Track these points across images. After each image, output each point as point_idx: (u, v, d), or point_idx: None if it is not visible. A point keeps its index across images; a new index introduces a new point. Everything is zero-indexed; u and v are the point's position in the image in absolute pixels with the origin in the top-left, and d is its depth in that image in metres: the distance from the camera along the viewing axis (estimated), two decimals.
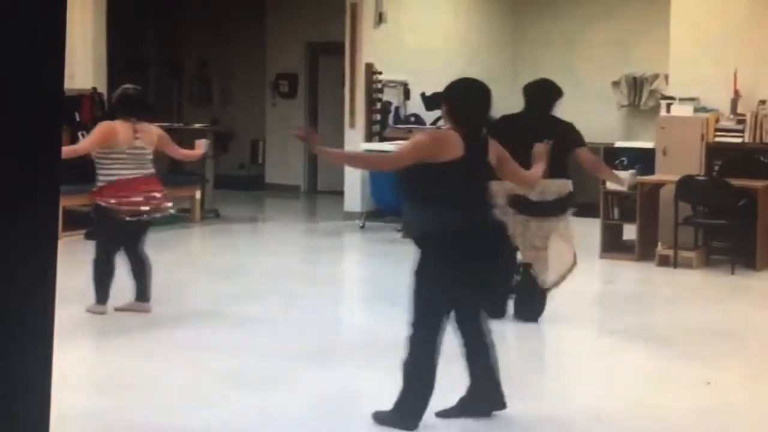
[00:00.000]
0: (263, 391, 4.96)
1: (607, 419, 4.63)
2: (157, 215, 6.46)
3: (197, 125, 11.70)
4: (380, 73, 11.27)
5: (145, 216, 6.33)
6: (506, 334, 5.90)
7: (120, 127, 6.28)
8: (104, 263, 6.33)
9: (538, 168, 4.84)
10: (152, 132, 6.47)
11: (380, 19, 11.32)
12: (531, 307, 6.34)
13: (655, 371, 5.55)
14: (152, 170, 6.44)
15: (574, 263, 6.31)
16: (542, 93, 6.34)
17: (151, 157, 6.44)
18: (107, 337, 6.03)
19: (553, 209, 6.27)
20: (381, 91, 11.34)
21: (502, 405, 4.46)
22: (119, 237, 6.36)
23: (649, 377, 5.45)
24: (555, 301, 6.47)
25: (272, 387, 5.05)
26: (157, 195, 6.39)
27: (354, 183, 11.26)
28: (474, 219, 4.29)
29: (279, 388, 5.02)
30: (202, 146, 6.84)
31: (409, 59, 11.53)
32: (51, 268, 1.72)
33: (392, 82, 11.44)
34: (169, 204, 6.52)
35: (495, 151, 4.44)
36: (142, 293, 6.41)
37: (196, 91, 14.73)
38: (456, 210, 4.23)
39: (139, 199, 6.28)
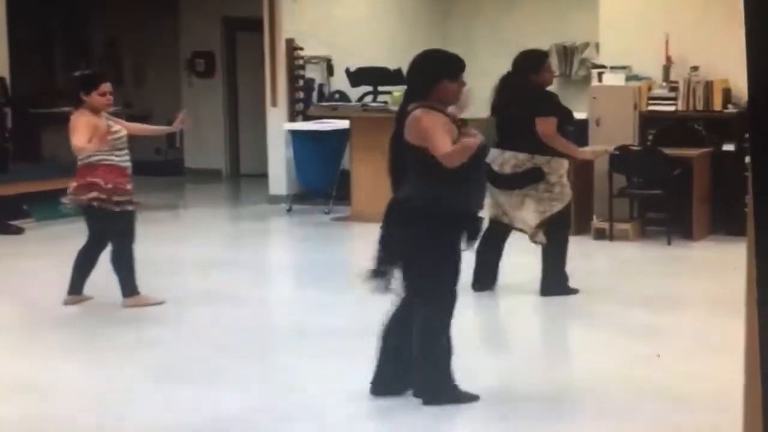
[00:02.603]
0: (194, 385, 4.73)
1: (553, 394, 4.45)
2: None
3: (111, 108, 11.11)
4: (302, 49, 10.85)
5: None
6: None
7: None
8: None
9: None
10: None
11: None
12: (486, 276, 6.41)
13: (595, 343, 5.51)
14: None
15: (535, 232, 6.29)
16: (518, 60, 6.35)
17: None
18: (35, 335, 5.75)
19: (510, 183, 6.25)
20: (303, 68, 10.92)
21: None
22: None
23: (590, 349, 5.42)
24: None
25: (203, 380, 4.82)
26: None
27: (279, 165, 10.85)
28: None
29: (211, 382, 4.79)
30: (180, 122, 6.52)
31: (332, 34, 11.13)
32: None
33: (315, 58, 11.03)
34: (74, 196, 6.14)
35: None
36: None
37: (107, 72, 14.07)
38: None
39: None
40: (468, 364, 4.58)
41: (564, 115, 6.38)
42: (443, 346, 4.29)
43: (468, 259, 6.29)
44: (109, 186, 5.99)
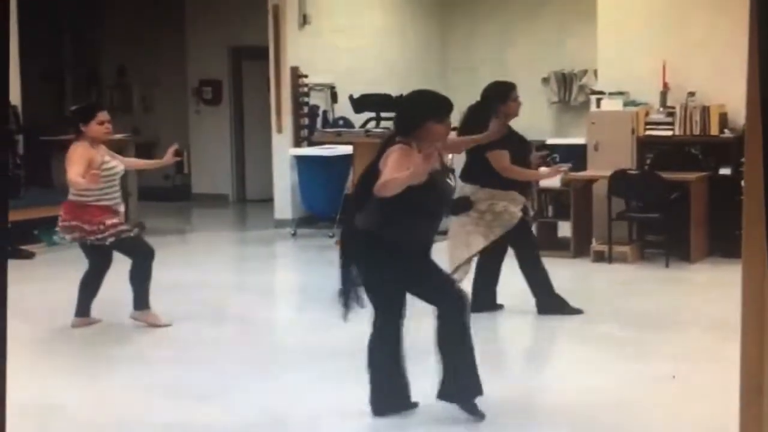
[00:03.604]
0: (202, 405, 4.83)
1: (553, 412, 4.54)
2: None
3: (118, 135, 11.32)
4: (306, 76, 11.05)
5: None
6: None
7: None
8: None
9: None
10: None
11: (304, 20, 11.11)
12: (483, 297, 6.55)
13: (594, 363, 5.60)
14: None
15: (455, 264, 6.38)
16: (486, 91, 6.50)
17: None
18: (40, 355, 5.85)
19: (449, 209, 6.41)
20: (308, 94, 11.12)
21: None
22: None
23: (589, 369, 5.50)
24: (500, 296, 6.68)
25: (210, 400, 4.91)
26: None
27: (284, 190, 11.03)
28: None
29: (217, 401, 4.89)
30: (171, 155, 6.64)
31: (335, 61, 11.33)
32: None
33: (319, 85, 11.23)
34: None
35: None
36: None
37: (116, 100, 14.31)
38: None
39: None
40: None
41: (516, 145, 6.46)
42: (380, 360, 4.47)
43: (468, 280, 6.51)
44: (90, 228, 6.12)
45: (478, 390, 4.44)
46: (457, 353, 4.41)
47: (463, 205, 6.36)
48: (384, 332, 4.46)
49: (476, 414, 4.45)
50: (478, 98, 6.59)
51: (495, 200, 6.40)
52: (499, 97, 6.44)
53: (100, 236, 6.14)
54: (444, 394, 4.45)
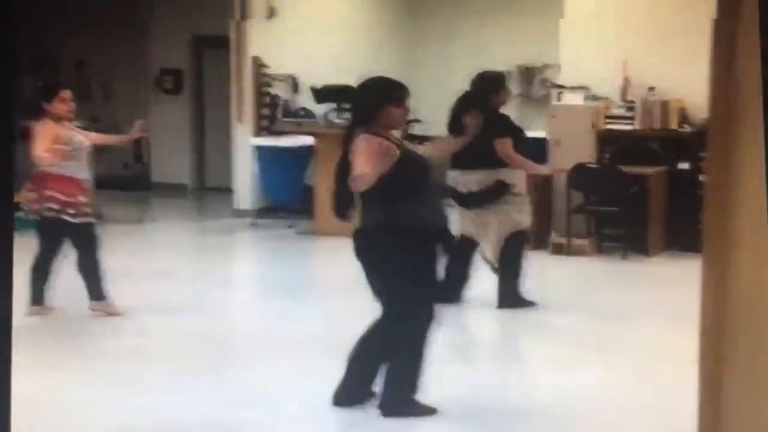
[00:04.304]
0: (165, 397, 4.77)
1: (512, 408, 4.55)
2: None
3: (77, 123, 11.16)
4: (268, 66, 10.98)
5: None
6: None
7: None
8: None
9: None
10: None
11: (271, 13, 11.04)
12: (452, 290, 6.52)
13: (552, 356, 5.62)
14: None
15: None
16: (477, 81, 6.52)
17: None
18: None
19: (479, 200, 6.46)
20: (269, 85, 11.05)
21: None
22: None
23: (548, 362, 5.52)
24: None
25: (173, 392, 4.86)
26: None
27: (244, 180, 10.96)
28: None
29: (180, 393, 4.84)
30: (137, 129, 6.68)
31: (298, 52, 11.27)
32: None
33: (280, 75, 11.16)
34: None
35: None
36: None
37: (75, 87, 14.07)
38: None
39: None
40: (428, 378, 4.69)
41: (517, 134, 6.57)
42: (411, 359, 4.36)
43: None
44: (65, 199, 6.08)
45: (409, 397, 4.38)
46: (403, 359, 4.35)
47: (499, 189, 6.38)
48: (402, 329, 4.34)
49: (424, 413, 4.40)
50: (445, 90, 6.60)
51: (521, 183, 6.53)
52: (493, 87, 6.48)
53: (71, 211, 6.08)
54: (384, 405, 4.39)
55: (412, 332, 4.35)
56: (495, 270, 6.58)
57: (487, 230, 6.49)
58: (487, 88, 6.47)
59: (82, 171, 6.24)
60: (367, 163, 4.12)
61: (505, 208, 6.45)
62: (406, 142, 4.52)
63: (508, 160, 6.39)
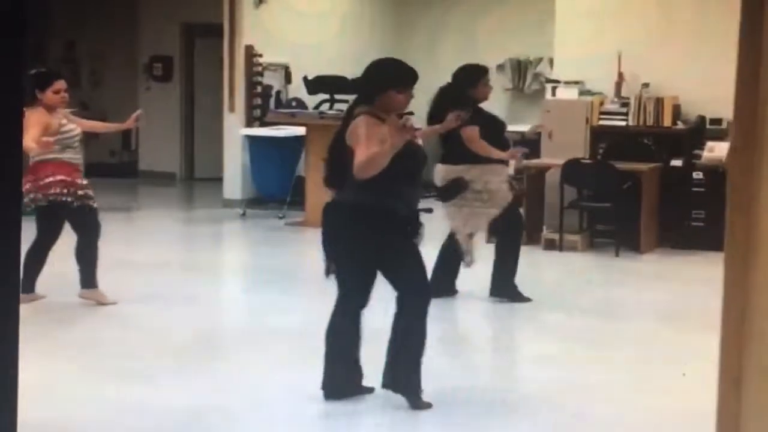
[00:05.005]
0: (152, 387, 4.73)
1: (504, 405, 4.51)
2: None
3: (66, 110, 11.06)
4: (260, 55, 10.90)
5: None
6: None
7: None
8: None
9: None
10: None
11: (259, 1, 10.95)
12: (443, 282, 6.48)
13: (545, 350, 5.60)
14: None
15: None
16: (457, 74, 6.48)
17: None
18: None
19: (440, 195, 6.43)
20: (261, 74, 10.97)
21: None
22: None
23: (540, 356, 5.51)
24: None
25: (160, 382, 4.82)
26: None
27: (234, 170, 10.88)
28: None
29: (167, 383, 4.80)
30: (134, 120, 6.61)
31: (291, 42, 11.19)
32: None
33: (273, 65, 11.08)
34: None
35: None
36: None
37: (64, 74, 13.97)
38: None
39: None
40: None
41: (490, 124, 6.46)
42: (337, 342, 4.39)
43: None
44: (69, 179, 6.01)
45: (419, 385, 4.37)
46: (410, 345, 4.33)
47: (458, 187, 6.32)
48: (347, 315, 4.37)
49: (421, 406, 4.38)
50: (437, 82, 6.55)
51: (489, 176, 6.36)
52: (470, 81, 6.42)
53: (78, 192, 6.01)
54: (390, 383, 4.37)
55: (350, 315, 4.36)
56: (466, 263, 6.50)
57: (456, 223, 6.45)
58: (465, 82, 6.41)
59: (77, 157, 6.17)
60: (369, 146, 4.07)
61: (468, 204, 6.38)
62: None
63: (471, 145, 6.31)
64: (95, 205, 6.21)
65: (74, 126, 6.20)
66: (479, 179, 6.36)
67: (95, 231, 6.18)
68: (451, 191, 6.35)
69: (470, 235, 6.45)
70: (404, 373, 4.35)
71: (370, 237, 4.22)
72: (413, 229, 4.33)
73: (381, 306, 4.49)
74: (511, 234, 6.58)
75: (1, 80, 1.62)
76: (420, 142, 4.52)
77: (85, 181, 6.15)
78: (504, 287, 6.55)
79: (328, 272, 4.38)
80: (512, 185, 6.71)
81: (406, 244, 4.31)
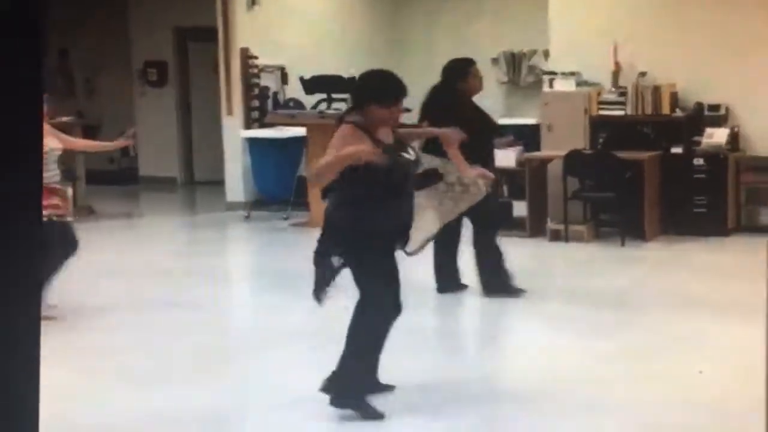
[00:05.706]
0: (159, 392, 4.75)
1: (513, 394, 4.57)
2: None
3: (63, 119, 11.07)
4: (256, 57, 10.91)
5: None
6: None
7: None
8: None
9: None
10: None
11: (253, 2, 10.96)
12: (446, 278, 6.52)
13: (554, 342, 5.63)
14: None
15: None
16: (445, 69, 6.48)
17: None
18: None
19: (415, 182, 6.32)
20: (258, 76, 10.98)
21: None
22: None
23: (550, 348, 5.53)
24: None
25: (167, 387, 4.84)
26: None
27: (236, 172, 10.90)
28: None
29: (174, 388, 4.83)
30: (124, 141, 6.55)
31: (286, 43, 11.21)
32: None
33: (269, 66, 11.10)
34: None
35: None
36: None
37: (59, 83, 13.98)
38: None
39: None
40: (425, 366, 4.69)
41: (477, 121, 6.41)
42: (364, 350, 4.32)
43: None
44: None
45: (348, 386, 4.30)
46: (355, 349, 4.29)
47: (432, 177, 6.29)
48: (374, 314, 4.29)
49: (338, 405, 4.30)
50: (434, 78, 6.56)
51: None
52: (459, 73, 6.42)
53: (56, 214, 5.85)
54: (326, 387, 4.33)
55: (365, 321, 4.30)
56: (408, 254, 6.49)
57: (420, 215, 6.42)
58: (455, 76, 6.40)
59: (49, 177, 5.82)
60: (326, 161, 4.03)
61: (437, 196, 6.35)
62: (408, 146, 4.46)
63: (448, 149, 6.28)
64: (71, 219, 6.06)
65: (49, 141, 5.85)
66: (454, 172, 6.35)
67: (67, 250, 5.95)
68: (425, 181, 6.32)
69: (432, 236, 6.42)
70: (340, 377, 4.32)
71: (347, 249, 4.22)
72: (400, 240, 4.36)
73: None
74: (487, 231, 6.51)
75: (23, 81, 1.61)
76: (414, 148, 4.56)
77: (51, 201, 5.81)
78: (491, 285, 6.47)
79: (319, 298, 4.31)
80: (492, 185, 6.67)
81: (376, 260, 4.25)
